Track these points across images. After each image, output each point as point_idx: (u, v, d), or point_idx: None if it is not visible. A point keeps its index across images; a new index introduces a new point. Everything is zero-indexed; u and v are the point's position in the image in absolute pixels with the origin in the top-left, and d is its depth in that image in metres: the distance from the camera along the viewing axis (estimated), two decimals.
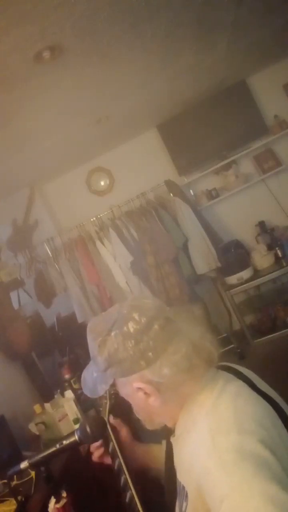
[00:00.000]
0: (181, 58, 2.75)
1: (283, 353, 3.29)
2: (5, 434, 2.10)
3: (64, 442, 0.98)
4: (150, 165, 4.15)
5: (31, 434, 2.19)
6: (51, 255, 3.85)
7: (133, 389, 0.82)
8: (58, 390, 2.33)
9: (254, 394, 0.78)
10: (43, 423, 2.08)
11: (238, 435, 0.68)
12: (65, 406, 2.13)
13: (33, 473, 1.73)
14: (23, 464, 0.99)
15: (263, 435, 0.68)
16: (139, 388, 0.81)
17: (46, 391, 2.71)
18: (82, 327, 3.62)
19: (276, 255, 3.80)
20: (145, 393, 0.82)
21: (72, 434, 0.99)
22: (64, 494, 1.02)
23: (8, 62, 1.79)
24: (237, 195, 4.07)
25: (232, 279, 3.74)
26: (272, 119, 3.99)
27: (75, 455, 1.76)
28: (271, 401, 0.78)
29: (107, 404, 1.04)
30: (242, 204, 4.14)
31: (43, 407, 2.15)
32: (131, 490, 0.91)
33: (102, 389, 0.86)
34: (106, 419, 1.03)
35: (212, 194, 4.06)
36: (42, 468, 0.99)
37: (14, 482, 1.76)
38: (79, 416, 2.06)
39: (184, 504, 0.78)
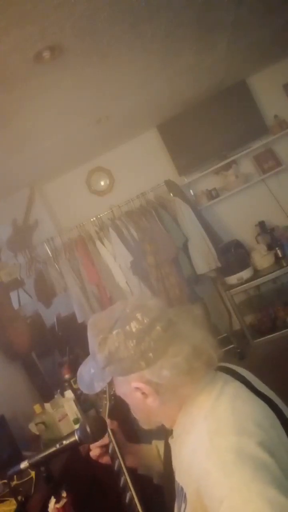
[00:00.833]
0: (181, 58, 2.75)
1: (283, 353, 3.29)
2: (5, 434, 2.10)
3: (64, 442, 0.98)
4: (150, 165, 4.15)
5: (31, 434, 2.19)
6: (51, 255, 3.85)
7: (131, 388, 0.82)
8: (58, 390, 2.33)
9: (252, 395, 0.78)
10: (43, 423, 2.08)
11: (237, 437, 0.68)
12: (65, 406, 2.13)
13: (33, 473, 1.73)
14: (23, 464, 0.99)
15: (262, 436, 0.68)
16: (137, 388, 0.81)
17: (46, 391, 2.71)
18: (82, 327, 3.62)
19: (276, 255, 3.80)
20: (143, 393, 0.81)
21: (72, 434, 0.98)
22: (64, 494, 1.02)
23: (8, 62, 1.79)
24: (237, 195, 4.07)
25: (232, 279, 3.74)
26: (272, 119, 3.99)
27: (75, 455, 1.76)
28: (269, 401, 0.78)
29: (107, 405, 1.04)
30: (242, 204, 4.14)
31: (43, 407, 2.15)
32: (131, 491, 0.91)
33: (99, 386, 0.86)
34: (106, 420, 1.03)
35: (212, 194, 4.06)
36: (42, 468, 0.99)
37: (14, 482, 1.76)
38: (79, 416, 2.06)
39: (183, 505, 0.77)
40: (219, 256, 3.69)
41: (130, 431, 0.98)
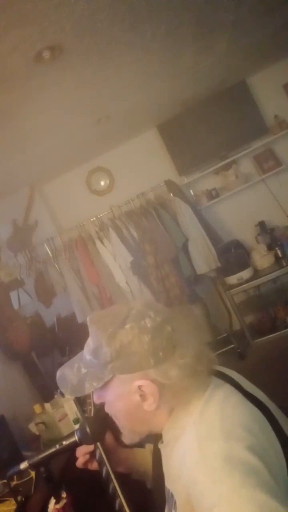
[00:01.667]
0: (181, 58, 2.75)
1: (283, 353, 3.29)
2: (5, 434, 2.10)
3: (64, 442, 0.98)
4: (150, 165, 4.15)
5: (31, 434, 2.19)
6: (51, 255, 3.85)
7: (131, 389, 0.80)
8: (58, 390, 2.32)
9: (241, 398, 0.77)
10: (43, 423, 2.08)
11: (225, 443, 0.67)
12: (65, 406, 2.13)
13: (33, 473, 1.73)
14: (23, 465, 0.99)
15: (251, 441, 0.67)
16: (139, 388, 0.79)
17: (46, 391, 2.71)
18: (82, 327, 3.62)
19: (276, 255, 3.80)
20: (142, 395, 0.80)
21: (72, 434, 0.99)
22: (64, 495, 1.02)
23: (8, 62, 1.79)
24: (237, 195, 4.07)
25: (232, 279, 3.74)
26: (272, 119, 3.99)
27: (75, 455, 1.76)
28: (258, 403, 0.77)
29: (91, 410, 1.03)
30: (242, 204, 4.14)
31: (43, 407, 2.15)
32: (120, 497, 0.90)
33: (90, 387, 0.83)
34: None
35: (212, 194, 4.06)
36: (42, 469, 0.99)
37: (14, 482, 1.77)
38: (79, 416, 2.06)
39: (173, 511, 0.77)
40: (219, 256, 3.69)
41: (117, 435, 0.97)
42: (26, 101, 2.22)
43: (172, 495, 0.78)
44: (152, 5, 1.88)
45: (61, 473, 1.65)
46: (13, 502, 1.64)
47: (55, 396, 2.28)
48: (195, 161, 4.01)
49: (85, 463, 1.04)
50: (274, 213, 4.10)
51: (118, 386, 0.82)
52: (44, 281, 3.81)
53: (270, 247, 3.85)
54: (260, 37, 3.09)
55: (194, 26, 2.33)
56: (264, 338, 3.69)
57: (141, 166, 4.17)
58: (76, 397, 2.06)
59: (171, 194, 3.83)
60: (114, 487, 0.92)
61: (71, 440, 0.98)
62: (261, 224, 4.02)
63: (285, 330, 3.64)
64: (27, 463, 0.99)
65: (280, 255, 3.77)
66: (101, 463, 0.97)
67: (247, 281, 3.69)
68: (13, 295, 3.37)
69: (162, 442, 0.86)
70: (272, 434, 0.72)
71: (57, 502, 1.00)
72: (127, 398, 0.82)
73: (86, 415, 1.01)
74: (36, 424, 2.10)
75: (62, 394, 2.26)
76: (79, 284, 3.69)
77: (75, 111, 2.77)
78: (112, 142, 4.07)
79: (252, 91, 3.98)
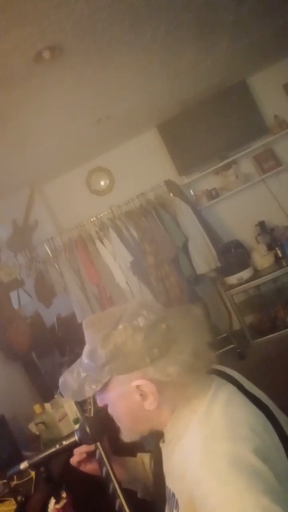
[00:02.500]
0: (181, 58, 2.75)
1: (283, 353, 3.29)
2: (5, 434, 2.10)
3: (64, 442, 0.98)
4: (150, 165, 4.15)
5: (31, 434, 2.19)
6: (51, 255, 3.85)
7: (130, 389, 0.79)
8: (58, 390, 2.32)
9: (244, 399, 0.77)
10: (43, 423, 2.08)
11: (231, 443, 0.67)
12: (65, 406, 2.13)
13: (33, 473, 1.74)
14: (23, 465, 0.99)
15: (256, 442, 0.67)
16: (138, 387, 0.78)
17: (46, 391, 2.71)
18: (82, 327, 3.62)
19: (276, 255, 3.80)
20: (142, 394, 0.79)
21: (72, 434, 0.99)
22: (64, 495, 1.02)
23: (8, 62, 1.79)
24: (237, 195, 4.07)
25: (232, 279, 3.74)
26: (272, 119, 3.99)
27: None
28: (259, 403, 0.77)
29: (91, 410, 1.03)
30: (242, 204, 4.14)
31: (43, 407, 2.15)
32: (120, 498, 0.90)
33: (90, 390, 0.83)
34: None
35: (212, 194, 4.06)
36: (42, 468, 0.99)
37: (14, 482, 1.77)
38: (79, 416, 2.06)
39: (175, 511, 0.76)
40: (219, 256, 3.69)
41: (115, 442, 0.96)
42: (26, 101, 2.22)
43: (173, 495, 0.78)
44: (152, 5, 1.88)
45: (61, 473, 1.65)
46: (13, 502, 1.64)
47: (55, 396, 2.28)
48: (195, 161, 4.01)
49: (79, 462, 1.04)
50: (274, 213, 4.10)
51: (117, 387, 0.82)
52: (44, 281, 3.81)
53: (270, 247, 3.85)
54: (260, 37, 3.09)
55: (194, 26, 2.33)
56: (264, 338, 3.69)
57: (141, 166, 4.17)
58: None
59: (171, 194, 3.83)
60: (114, 487, 0.92)
61: (71, 440, 0.98)
62: (261, 224, 4.02)
63: (285, 330, 3.64)
64: (27, 463, 0.99)
65: (280, 255, 3.77)
66: (101, 463, 0.97)
67: (247, 281, 3.69)
68: (13, 295, 3.37)
69: (163, 441, 0.86)
70: (274, 433, 0.72)
71: (57, 502, 1.00)
72: (127, 398, 0.81)
73: (86, 415, 1.01)
74: (36, 424, 2.10)
75: (62, 394, 2.26)
76: (79, 284, 3.69)
77: (75, 111, 2.77)
78: (112, 142, 4.07)
79: (252, 91, 3.98)
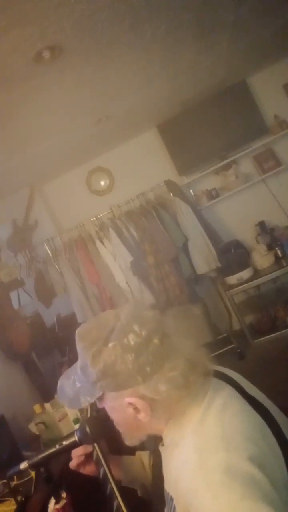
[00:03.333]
0: (181, 58, 2.75)
1: (283, 353, 3.29)
2: (5, 434, 2.09)
3: (64, 442, 0.98)
4: (150, 165, 4.15)
5: (31, 434, 2.19)
6: (51, 255, 3.85)
7: (123, 404, 0.79)
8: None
9: (242, 403, 0.76)
10: (43, 423, 2.08)
11: (225, 453, 0.66)
12: (65, 406, 2.13)
13: (33, 473, 1.73)
14: (23, 465, 0.99)
15: (253, 450, 0.66)
16: (130, 404, 0.78)
17: (46, 391, 2.71)
18: None
19: (276, 255, 3.80)
20: (135, 408, 0.78)
21: (71, 434, 0.98)
22: (63, 495, 1.02)
23: (8, 62, 1.79)
24: (237, 195, 4.07)
25: (232, 279, 3.74)
26: (272, 119, 3.99)
27: None
28: (259, 406, 0.76)
29: (88, 411, 1.02)
30: (242, 204, 4.14)
31: (43, 407, 2.15)
32: (117, 499, 0.90)
33: (85, 402, 0.82)
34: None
35: (212, 194, 4.06)
36: (42, 469, 0.99)
37: (14, 482, 1.77)
38: (79, 416, 2.06)
39: None
40: (219, 256, 3.69)
41: (113, 441, 0.96)
42: (26, 101, 2.22)
43: (171, 499, 0.78)
44: (152, 5, 1.88)
45: (61, 473, 1.65)
46: (13, 502, 1.64)
47: (55, 396, 2.28)
48: (195, 161, 4.01)
49: (78, 465, 1.03)
50: (274, 213, 4.10)
51: (110, 400, 0.81)
52: (44, 281, 3.81)
53: (270, 247, 3.85)
54: (260, 37, 3.08)
55: (194, 26, 2.33)
56: (264, 338, 3.69)
57: (141, 166, 4.17)
58: None
59: (171, 194, 3.83)
60: (112, 488, 0.92)
61: (71, 440, 0.97)
62: (261, 224, 4.02)
63: (285, 330, 3.64)
64: (27, 463, 0.99)
65: (280, 255, 3.77)
66: (98, 464, 0.97)
67: (247, 281, 3.69)
68: (13, 295, 3.37)
69: (162, 445, 0.86)
70: (273, 439, 0.71)
71: (57, 502, 1.00)
72: (121, 411, 0.81)
73: (86, 415, 1.01)
74: (36, 424, 2.10)
75: (59, 400, 2.26)
76: (79, 284, 3.69)
77: (75, 111, 2.76)
78: (112, 142, 4.07)
79: (252, 91, 3.98)
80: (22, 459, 1.00)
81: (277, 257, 3.79)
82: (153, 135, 4.15)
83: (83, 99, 2.64)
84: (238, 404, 0.76)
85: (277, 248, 3.79)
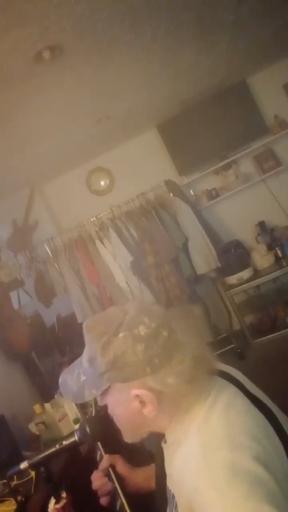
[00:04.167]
0: (181, 58, 2.75)
1: (283, 353, 3.29)
2: (5, 434, 2.10)
3: (64, 442, 0.98)
4: (150, 165, 4.15)
5: (31, 434, 2.19)
6: (51, 255, 3.85)
7: (129, 396, 0.78)
8: (58, 390, 2.32)
9: (246, 402, 0.76)
10: (43, 423, 2.08)
11: (230, 452, 0.66)
12: (65, 406, 2.13)
13: (33, 473, 1.73)
14: (23, 465, 0.99)
15: (257, 449, 0.66)
16: (137, 396, 0.77)
17: (46, 391, 2.71)
18: (82, 327, 3.62)
19: (276, 255, 3.80)
20: (141, 401, 0.78)
21: (72, 434, 0.99)
22: (64, 495, 1.02)
23: (8, 62, 1.79)
24: (237, 195, 4.07)
25: (232, 279, 3.74)
26: (272, 119, 3.99)
27: (75, 455, 1.76)
28: (262, 405, 0.77)
29: (91, 410, 1.02)
30: (242, 204, 4.14)
31: (43, 407, 2.15)
32: (121, 498, 0.90)
33: (90, 395, 0.82)
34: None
35: (212, 194, 4.06)
36: (42, 468, 0.99)
37: (14, 482, 1.77)
38: (79, 416, 2.06)
39: None
40: (219, 256, 3.69)
41: (130, 456, 0.96)
42: (26, 101, 2.22)
43: (173, 496, 0.78)
44: (152, 5, 1.88)
45: (61, 473, 1.65)
46: (13, 502, 1.64)
47: (55, 396, 2.28)
48: (195, 161, 4.01)
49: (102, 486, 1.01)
50: (274, 213, 4.10)
51: (116, 393, 0.81)
52: (44, 281, 3.81)
53: (270, 247, 3.85)
54: (260, 37, 3.09)
55: (194, 26, 2.33)
56: (264, 338, 3.69)
57: (141, 166, 4.17)
58: None
59: (171, 194, 3.83)
60: (115, 488, 0.92)
61: (71, 440, 0.98)
62: (261, 224, 4.02)
63: (285, 330, 3.64)
64: (27, 463, 0.99)
65: (280, 255, 3.77)
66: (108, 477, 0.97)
67: (247, 281, 3.69)
68: (13, 295, 3.37)
69: (165, 442, 0.86)
70: (276, 439, 0.71)
71: (57, 502, 1.00)
72: (126, 405, 0.81)
73: (87, 415, 1.01)
74: (36, 424, 2.10)
75: (62, 395, 2.26)
76: (79, 284, 3.69)
77: (75, 111, 2.77)
78: (112, 142, 4.07)
79: (252, 91, 3.98)
80: (22, 459, 1.00)
81: (277, 257, 3.79)
82: (153, 135, 4.15)
83: (83, 99, 2.64)
84: (242, 404, 0.76)
85: (277, 248, 3.79)
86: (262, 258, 3.83)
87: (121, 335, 0.77)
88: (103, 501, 0.99)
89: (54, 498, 1.01)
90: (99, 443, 0.98)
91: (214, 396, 0.77)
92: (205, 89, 3.69)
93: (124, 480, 1.01)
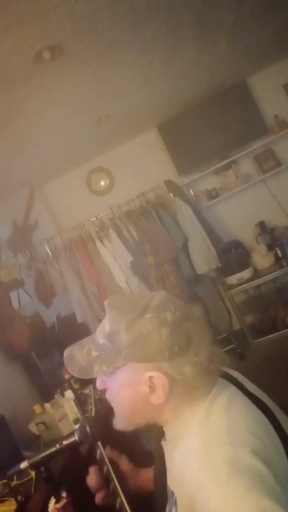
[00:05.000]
0: (181, 58, 2.75)
1: (283, 353, 3.29)
2: (5, 434, 2.10)
3: (64, 442, 0.98)
4: (150, 165, 4.15)
5: (31, 434, 2.19)
6: (51, 255, 3.85)
7: (140, 379, 0.78)
8: (58, 390, 2.33)
9: (246, 401, 0.77)
10: (43, 423, 2.08)
11: (231, 447, 0.67)
12: (65, 406, 2.13)
13: (33, 473, 1.73)
14: (23, 464, 0.99)
15: (257, 445, 0.67)
16: (149, 379, 0.77)
17: (46, 391, 2.71)
18: (82, 327, 3.62)
19: (276, 255, 3.80)
20: (151, 386, 0.78)
21: (72, 434, 0.98)
22: (64, 494, 1.02)
23: (8, 62, 1.79)
24: (237, 195, 4.07)
25: (232, 279, 3.74)
26: (272, 119, 3.99)
27: (75, 455, 1.76)
28: (261, 405, 0.77)
29: (92, 410, 1.02)
30: (242, 204, 4.14)
31: (43, 407, 2.15)
32: (120, 496, 0.90)
33: (100, 371, 0.81)
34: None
35: (212, 194, 4.06)
36: (42, 468, 0.99)
37: (14, 482, 1.77)
38: (79, 416, 2.06)
39: (174, 510, 0.76)
40: (219, 256, 3.69)
41: (133, 457, 0.96)
42: (26, 101, 2.22)
43: (172, 493, 0.78)
44: (152, 5, 1.88)
45: (61, 473, 1.65)
46: (13, 502, 1.64)
47: (55, 396, 2.28)
48: (195, 161, 4.01)
49: (104, 498, 0.99)
50: (274, 213, 4.10)
51: (129, 374, 0.80)
52: (44, 281, 3.81)
53: (270, 247, 3.85)
54: (260, 37, 3.09)
55: (194, 26, 2.33)
56: (264, 338, 3.69)
57: (141, 166, 4.17)
58: (76, 397, 2.05)
59: (171, 194, 3.82)
60: (115, 486, 0.92)
61: (71, 440, 0.97)
62: (261, 224, 4.02)
63: (285, 330, 3.64)
64: (27, 463, 0.99)
65: (280, 255, 3.77)
66: (101, 462, 0.97)
67: (247, 281, 3.69)
68: (13, 295, 3.37)
69: (164, 440, 0.86)
70: (276, 436, 0.72)
71: (57, 502, 1.00)
72: (135, 388, 0.80)
73: (87, 414, 1.01)
74: (36, 424, 2.10)
75: (62, 394, 2.26)
76: (79, 284, 3.69)
77: (75, 111, 2.77)
78: (112, 142, 4.07)
79: (252, 91, 3.98)
80: (22, 459, 1.00)
81: (277, 257, 3.79)
82: (153, 135, 4.15)
83: (83, 99, 2.64)
84: (242, 402, 0.77)
85: (277, 248, 3.79)
86: (262, 258, 3.83)
87: (148, 315, 0.79)
88: (98, 498, 0.99)
89: (54, 498, 1.01)
90: (99, 443, 0.98)
91: (215, 393, 0.78)
92: (205, 89, 3.69)
93: (126, 480, 1.02)
